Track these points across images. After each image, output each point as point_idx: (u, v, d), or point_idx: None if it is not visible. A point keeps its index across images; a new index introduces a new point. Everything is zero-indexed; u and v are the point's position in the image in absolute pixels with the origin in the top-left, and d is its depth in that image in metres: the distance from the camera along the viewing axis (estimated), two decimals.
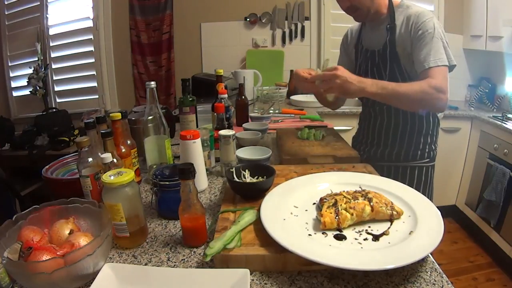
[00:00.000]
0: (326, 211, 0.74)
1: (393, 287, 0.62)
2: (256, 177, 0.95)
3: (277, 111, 2.05)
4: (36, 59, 2.91)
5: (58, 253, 0.64)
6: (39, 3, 2.96)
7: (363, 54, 1.33)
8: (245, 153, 1.19)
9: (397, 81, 1.17)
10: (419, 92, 1.05)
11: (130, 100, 3.18)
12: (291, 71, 2.82)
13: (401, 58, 1.19)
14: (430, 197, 1.33)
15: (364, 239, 0.70)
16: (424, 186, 1.31)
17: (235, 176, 0.93)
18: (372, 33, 1.30)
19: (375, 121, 1.35)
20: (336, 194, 0.81)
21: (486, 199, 2.31)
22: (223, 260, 0.67)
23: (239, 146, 1.30)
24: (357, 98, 2.10)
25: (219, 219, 0.80)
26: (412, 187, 0.91)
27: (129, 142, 1.07)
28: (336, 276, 0.65)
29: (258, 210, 0.79)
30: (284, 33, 3.01)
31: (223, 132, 1.10)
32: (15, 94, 3.16)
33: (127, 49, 3.09)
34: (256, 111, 2.07)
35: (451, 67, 1.12)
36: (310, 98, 2.41)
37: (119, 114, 1.01)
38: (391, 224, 0.74)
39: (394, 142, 1.30)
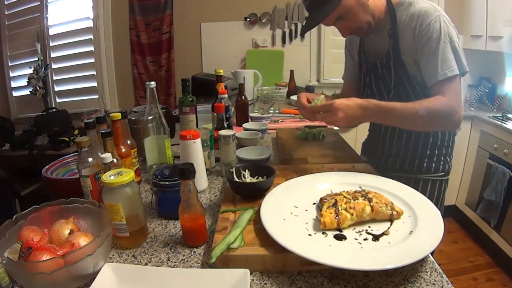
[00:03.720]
0: (326, 211, 0.74)
1: (393, 287, 0.62)
2: (256, 177, 0.95)
3: (277, 111, 2.05)
4: (36, 59, 2.92)
5: (58, 253, 0.64)
6: (39, 3, 2.96)
7: (366, 65, 1.23)
8: (245, 153, 1.19)
9: (407, 93, 1.10)
10: (427, 113, 0.96)
11: (130, 100, 3.18)
12: (291, 71, 2.82)
13: (408, 66, 1.07)
14: (441, 211, 1.22)
15: (364, 239, 0.69)
16: (436, 200, 1.23)
17: (235, 176, 0.93)
18: (373, 40, 1.17)
19: (386, 130, 1.26)
20: (336, 194, 0.81)
21: (486, 199, 2.31)
22: (223, 260, 0.67)
23: (239, 146, 1.30)
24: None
25: (219, 219, 0.80)
26: None
27: (129, 142, 1.07)
28: (336, 276, 0.65)
29: (258, 210, 0.79)
30: (284, 33, 3.01)
31: (223, 132, 1.10)
32: (15, 94, 3.17)
33: (127, 49, 3.09)
34: (256, 111, 2.07)
35: (463, 73, 1.01)
36: None
37: (119, 114, 1.01)
38: (391, 224, 0.74)
39: (407, 152, 1.20)
